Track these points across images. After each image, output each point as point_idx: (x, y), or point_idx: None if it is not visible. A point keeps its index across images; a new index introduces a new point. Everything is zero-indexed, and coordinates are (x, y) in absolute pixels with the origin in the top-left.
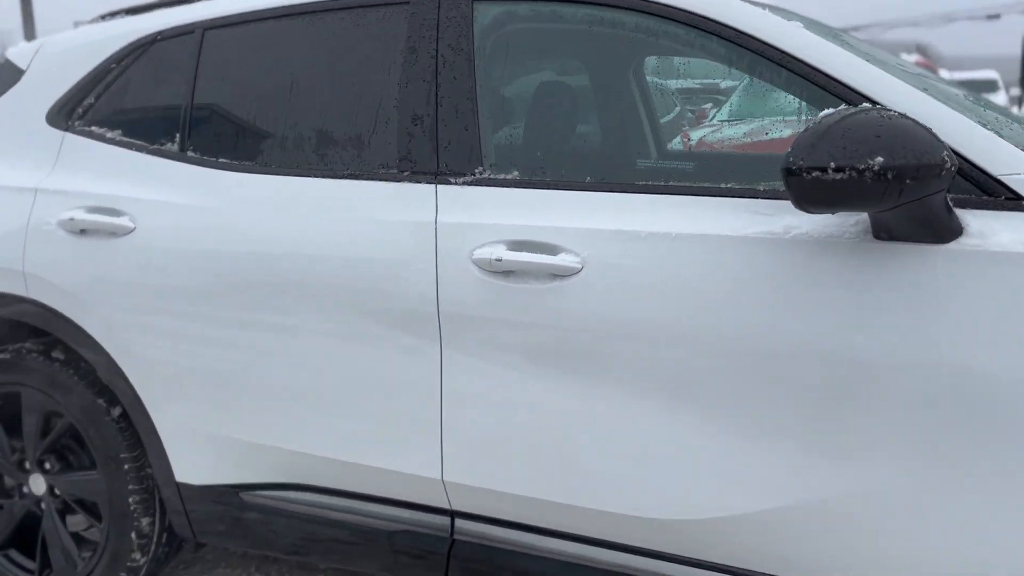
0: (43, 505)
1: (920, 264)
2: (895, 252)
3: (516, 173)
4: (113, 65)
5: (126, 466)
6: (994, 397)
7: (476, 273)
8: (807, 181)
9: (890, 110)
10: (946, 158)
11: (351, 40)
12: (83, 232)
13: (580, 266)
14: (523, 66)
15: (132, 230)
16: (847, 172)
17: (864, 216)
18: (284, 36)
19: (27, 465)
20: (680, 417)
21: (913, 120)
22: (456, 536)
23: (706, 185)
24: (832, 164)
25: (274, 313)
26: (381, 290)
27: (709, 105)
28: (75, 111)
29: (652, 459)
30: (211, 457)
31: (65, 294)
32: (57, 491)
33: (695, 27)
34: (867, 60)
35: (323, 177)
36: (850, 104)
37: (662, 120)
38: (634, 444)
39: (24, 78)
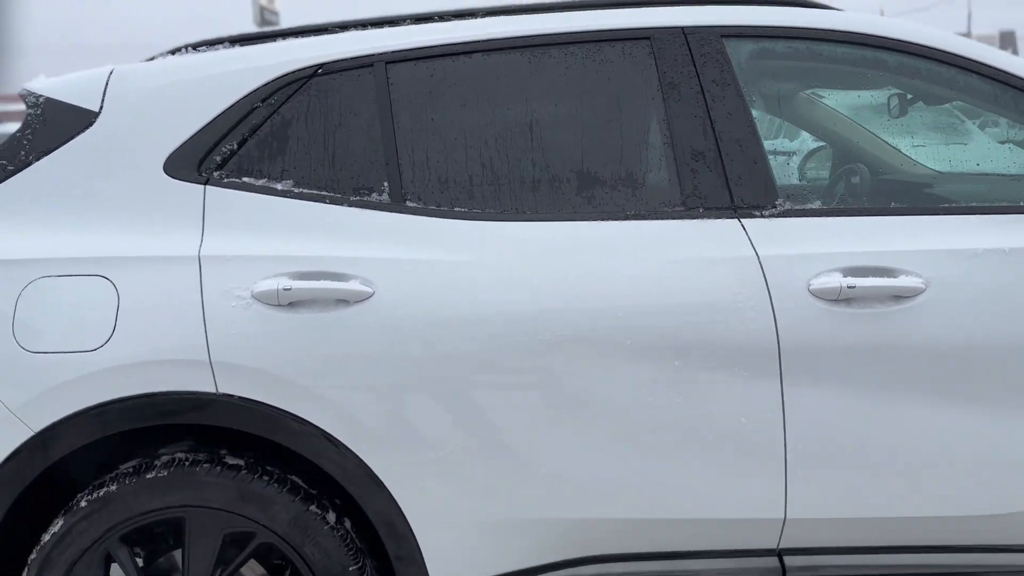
0: None
1: None
2: None
3: (818, 203)
4: (258, 104)
5: None
6: None
7: (816, 303)
8: None
9: None
10: None
11: (587, 73)
12: (293, 304)
13: (924, 286)
14: (786, 102)
15: (370, 295)
16: None
17: None
18: (499, 71)
19: None
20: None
21: None
22: (787, 571)
23: (1004, 204)
24: None
25: (571, 374)
26: (705, 331)
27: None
28: (209, 159)
29: (998, 465)
30: (485, 547)
31: (278, 382)
32: None
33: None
34: None
35: (599, 220)
36: None
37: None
38: (986, 452)
39: (102, 121)
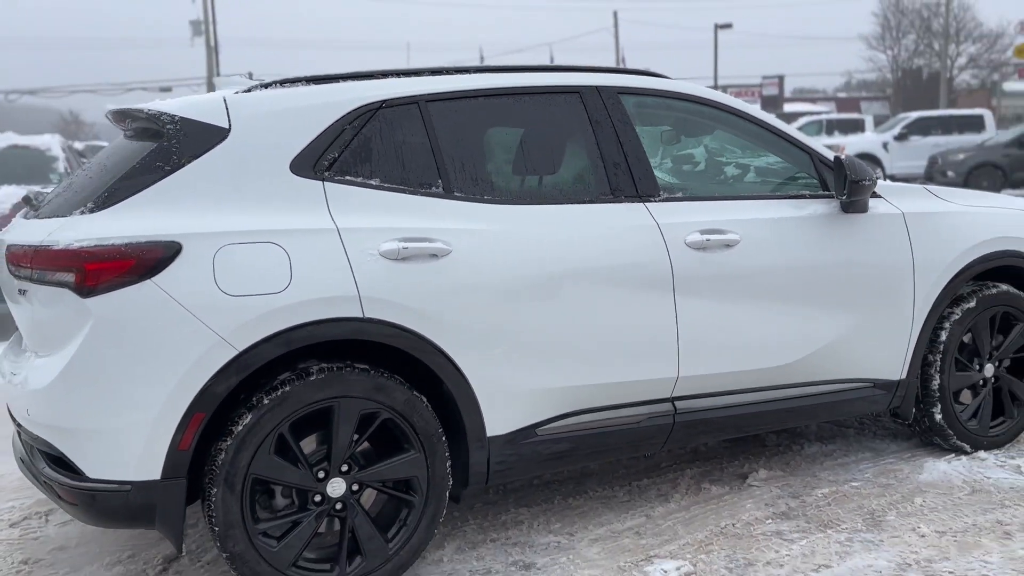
0: (342, 505)
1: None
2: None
3: (680, 194)
4: (347, 126)
5: (443, 439)
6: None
7: (689, 250)
8: (858, 186)
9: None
10: (873, 176)
11: (547, 112)
12: (405, 259)
13: (740, 239)
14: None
15: (450, 252)
16: (866, 182)
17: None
18: (496, 107)
19: (321, 475)
20: (790, 310)
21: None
22: (678, 413)
23: (769, 194)
24: (865, 179)
25: (563, 295)
26: (633, 268)
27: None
28: (319, 163)
29: (780, 335)
30: (516, 409)
31: (400, 308)
32: (355, 487)
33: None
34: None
35: (569, 204)
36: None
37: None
38: (771, 331)
39: (235, 135)
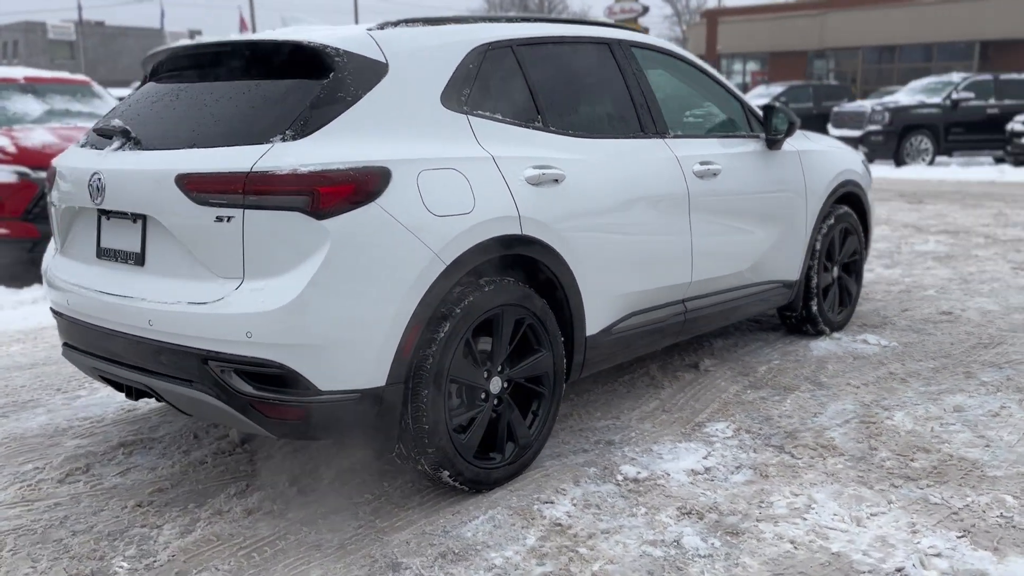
0: (498, 400)
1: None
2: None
3: (679, 132)
4: (471, 65)
5: (561, 340)
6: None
7: (695, 176)
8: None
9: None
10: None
11: (593, 59)
12: (540, 183)
13: (721, 169)
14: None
15: (565, 177)
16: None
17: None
18: (560, 53)
19: (484, 375)
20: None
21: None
22: (688, 312)
23: (731, 134)
24: (792, 122)
25: (631, 215)
26: (664, 189)
27: None
28: (459, 98)
29: (743, 245)
30: (603, 312)
31: (542, 226)
32: (506, 384)
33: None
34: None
35: (617, 138)
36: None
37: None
38: (738, 241)
39: (393, 70)
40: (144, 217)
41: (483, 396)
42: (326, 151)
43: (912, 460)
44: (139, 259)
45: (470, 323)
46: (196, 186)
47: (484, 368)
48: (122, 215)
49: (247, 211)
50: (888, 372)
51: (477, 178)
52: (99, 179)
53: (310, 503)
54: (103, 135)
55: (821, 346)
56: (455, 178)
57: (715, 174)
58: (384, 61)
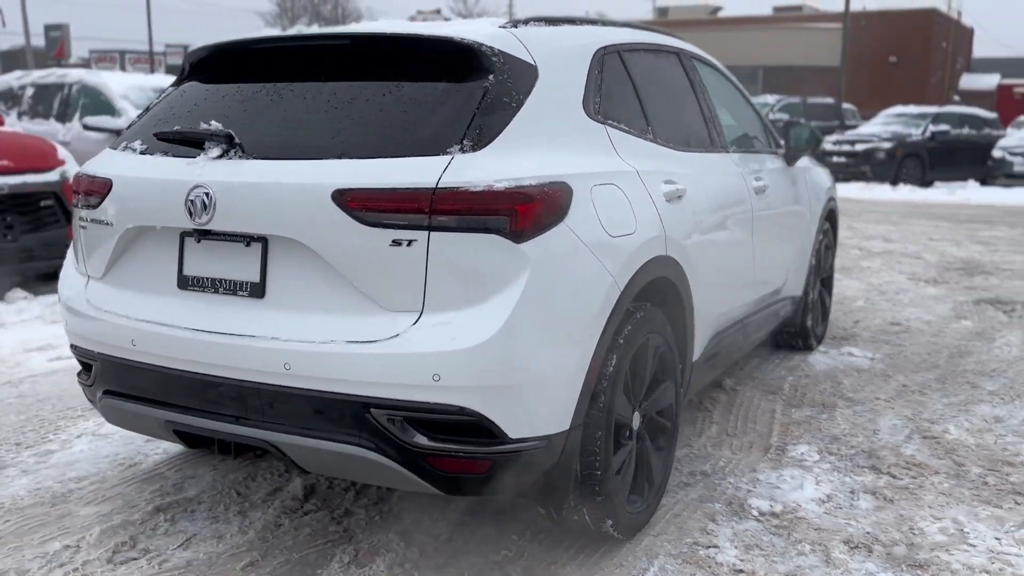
0: (634, 435)
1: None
2: (793, 168)
3: (734, 147)
4: (596, 71)
5: (679, 368)
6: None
7: (754, 192)
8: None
9: None
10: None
11: (673, 69)
12: (670, 199)
13: (767, 185)
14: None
15: (686, 192)
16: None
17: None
18: (653, 62)
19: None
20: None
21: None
22: (744, 328)
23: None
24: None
25: (725, 231)
26: (736, 199)
27: None
28: (593, 105)
29: (780, 261)
30: (704, 334)
31: (677, 245)
32: (641, 419)
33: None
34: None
35: (705, 152)
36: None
37: None
38: (777, 257)
39: (543, 74)
40: (264, 239)
41: (627, 434)
42: (512, 164)
43: (1008, 476)
44: (257, 289)
45: (630, 355)
46: (364, 204)
47: (632, 403)
48: (229, 237)
49: (432, 233)
50: (901, 385)
51: (632, 194)
52: (204, 194)
53: (444, 566)
54: (183, 141)
55: (820, 360)
56: (617, 194)
57: (765, 190)
58: (533, 63)
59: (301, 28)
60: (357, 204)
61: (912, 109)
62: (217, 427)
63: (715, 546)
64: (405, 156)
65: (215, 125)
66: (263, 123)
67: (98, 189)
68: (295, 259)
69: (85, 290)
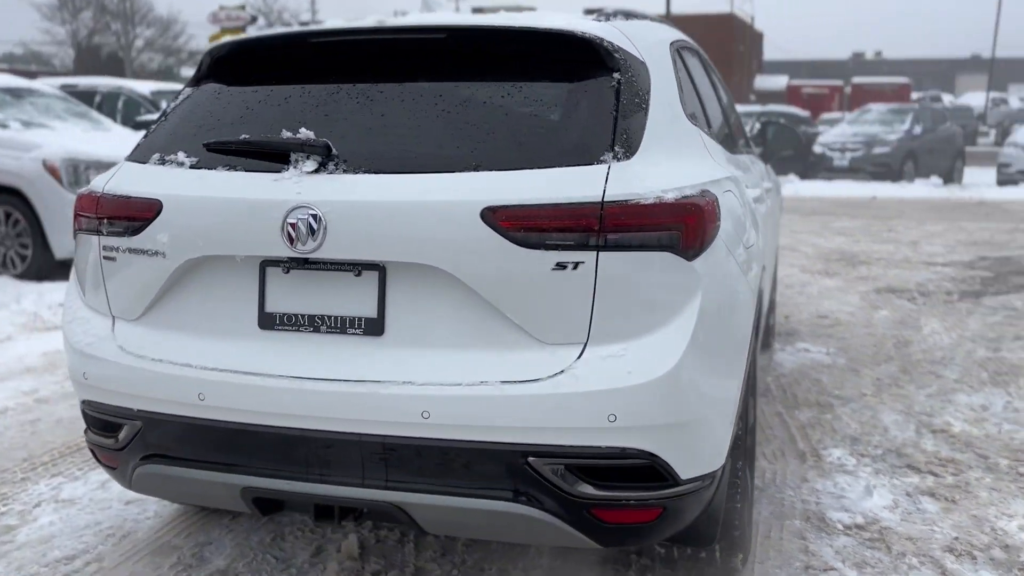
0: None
1: None
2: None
3: (744, 149)
4: (679, 68)
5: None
6: None
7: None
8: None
9: None
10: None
11: (705, 67)
12: (756, 203)
13: (770, 186)
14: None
15: (758, 195)
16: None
17: None
18: (692, 59)
19: None
20: None
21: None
22: None
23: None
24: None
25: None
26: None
27: None
28: (683, 105)
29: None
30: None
31: (763, 252)
32: None
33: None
34: None
35: (736, 153)
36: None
37: None
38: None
39: (653, 71)
40: (381, 267)
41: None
42: (663, 172)
43: None
44: (374, 326)
45: (751, 380)
46: (522, 223)
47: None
48: (335, 266)
49: (601, 253)
50: (874, 379)
51: (743, 201)
52: (311, 216)
53: None
54: (260, 153)
55: (785, 358)
56: (735, 202)
57: (767, 190)
58: (643, 60)
59: (380, 19)
60: (512, 224)
61: (739, 109)
62: (320, 491)
63: (833, 568)
64: (553, 167)
65: (305, 133)
66: (356, 131)
67: (139, 212)
68: (423, 289)
69: (113, 334)
